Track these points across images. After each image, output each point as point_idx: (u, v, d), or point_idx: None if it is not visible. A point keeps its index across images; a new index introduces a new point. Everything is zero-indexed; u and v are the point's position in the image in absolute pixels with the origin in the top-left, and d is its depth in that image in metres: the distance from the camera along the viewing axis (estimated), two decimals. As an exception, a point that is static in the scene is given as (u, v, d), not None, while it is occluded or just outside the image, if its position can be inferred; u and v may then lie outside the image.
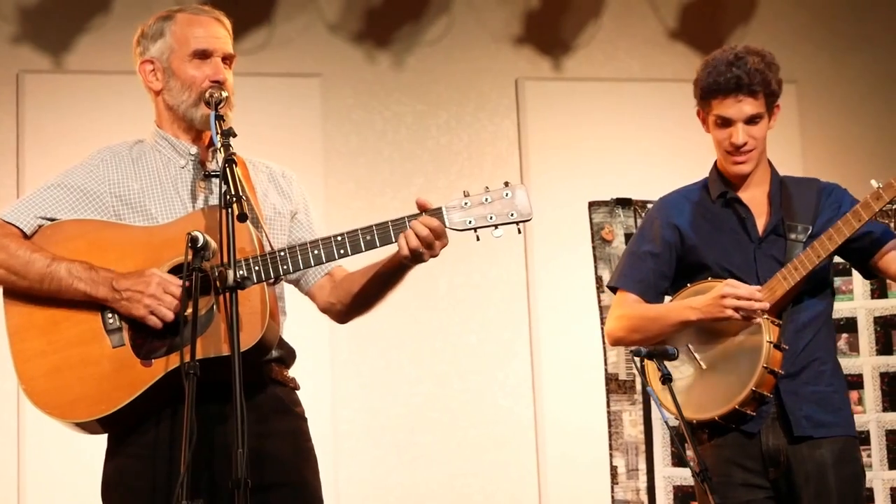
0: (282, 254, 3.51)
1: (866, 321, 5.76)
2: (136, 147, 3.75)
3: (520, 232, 3.56)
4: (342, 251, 3.52)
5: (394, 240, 3.51)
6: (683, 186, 4.39)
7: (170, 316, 3.46)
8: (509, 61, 6.87)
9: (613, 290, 4.38)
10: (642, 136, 6.80)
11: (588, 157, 6.78)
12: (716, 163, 4.32)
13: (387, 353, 6.54)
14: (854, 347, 5.77)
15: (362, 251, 3.52)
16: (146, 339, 3.51)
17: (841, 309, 5.70)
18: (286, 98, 6.59)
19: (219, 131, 3.49)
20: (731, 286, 4.06)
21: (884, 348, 5.77)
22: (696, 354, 4.17)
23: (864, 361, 5.74)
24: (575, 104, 6.85)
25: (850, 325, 5.77)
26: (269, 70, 6.55)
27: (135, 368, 3.48)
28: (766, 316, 4.07)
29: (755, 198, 4.24)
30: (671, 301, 4.28)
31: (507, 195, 3.51)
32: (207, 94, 3.60)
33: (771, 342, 4.05)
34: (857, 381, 5.73)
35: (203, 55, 3.67)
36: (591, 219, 5.81)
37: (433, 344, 6.60)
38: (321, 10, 6.73)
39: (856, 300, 5.72)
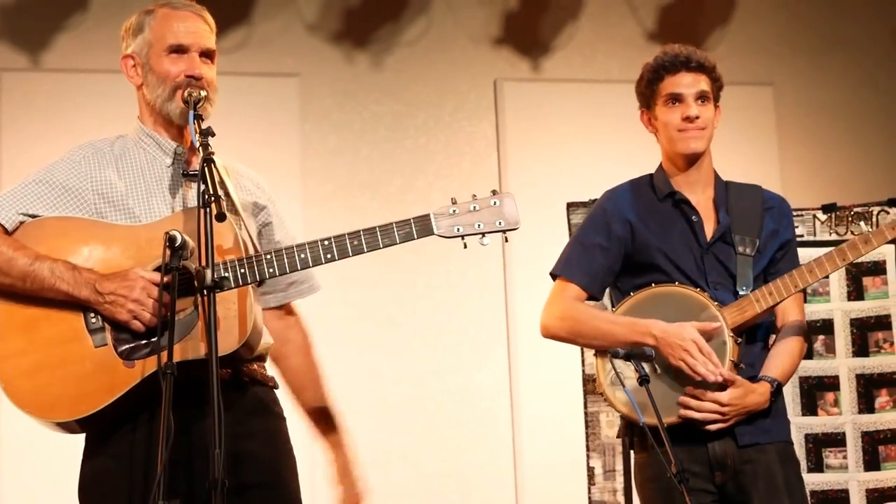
0: (268, 256, 3.48)
1: (843, 323, 5.74)
2: (117, 143, 3.72)
3: (507, 241, 3.59)
4: (329, 255, 3.49)
5: (381, 245, 3.50)
6: (629, 180, 4.41)
7: (154, 321, 3.43)
8: (488, 62, 6.86)
9: (554, 277, 4.35)
10: (621, 138, 6.66)
11: (566, 158, 6.76)
12: (661, 165, 4.35)
13: (364, 353, 6.51)
14: (830, 349, 5.75)
15: (349, 256, 3.50)
16: (129, 339, 3.48)
17: (818, 311, 5.69)
18: (264, 98, 6.56)
19: (198, 130, 3.46)
20: (705, 356, 4.03)
21: (860, 350, 5.74)
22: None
23: (841, 363, 5.72)
24: (553, 105, 6.84)
25: (826, 326, 5.75)
26: (247, 69, 6.52)
27: (117, 369, 3.45)
28: (731, 335, 4.08)
29: (700, 202, 4.26)
30: (619, 313, 4.23)
31: (494, 203, 3.54)
32: (186, 93, 3.58)
33: (733, 361, 4.07)
34: (833, 383, 5.73)
35: (179, 50, 3.66)
36: (569, 220, 5.78)
37: (410, 344, 6.58)
38: (300, 9, 6.72)
39: (832, 302, 5.71)
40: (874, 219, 5.64)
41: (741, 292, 4.14)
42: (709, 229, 4.23)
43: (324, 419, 3.91)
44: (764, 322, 4.21)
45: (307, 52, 6.70)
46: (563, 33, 6.95)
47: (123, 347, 3.47)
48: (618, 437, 4.57)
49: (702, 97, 4.23)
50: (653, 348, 4.03)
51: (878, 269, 5.78)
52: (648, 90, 4.29)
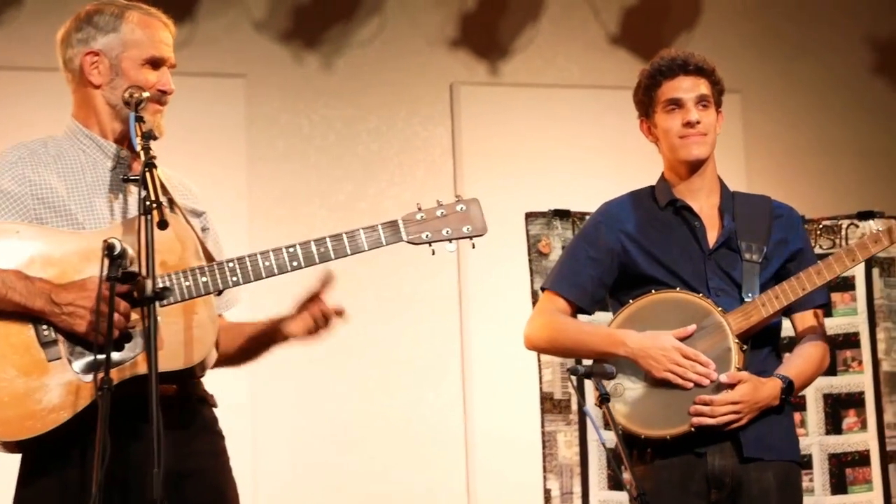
0: (230, 264, 3.46)
1: (810, 340, 5.73)
2: (51, 143, 3.60)
3: (474, 247, 3.64)
4: (295, 263, 3.49)
5: (349, 252, 3.51)
6: (629, 192, 4.36)
7: (115, 332, 3.30)
8: (444, 65, 6.82)
9: (543, 290, 4.35)
10: (582, 145, 6.77)
11: (525, 166, 6.72)
12: (662, 174, 4.30)
13: (311, 367, 6.36)
14: (797, 368, 5.74)
15: (316, 263, 3.51)
16: (85, 352, 3.36)
17: (784, 328, 5.65)
18: (209, 99, 6.46)
19: (138, 133, 3.38)
20: (691, 360, 4.01)
21: (828, 369, 5.68)
22: None
23: (808, 383, 5.70)
24: (512, 110, 6.80)
25: (792, 344, 5.70)
26: (190, 69, 6.34)
27: (73, 384, 3.34)
28: (736, 341, 4.03)
29: (704, 210, 4.23)
30: (617, 321, 4.19)
31: (461, 209, 3.60)
32: (127, 94, 3.49)
33: (739, 368, 4.02)
34: (799, 404, 5.67)
35: (157, 62, 3.61)
36: (527, 231, 5.75)
37: (360, 359, 6.48)
38: (247, 7, 6.64)
39: (800, 318, 5.67)
40: (843, 232, 5.67)
41: (747, 299, 4.10)
42: (712, 236, 4.20)
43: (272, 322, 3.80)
44: (770, 328, 4.16)
45: (254, 52, 6.62)
46: (522, 36, 6.92)
47: (79, 361, 3.36)
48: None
49: (702, 101, 4.21)
50: (632, 361, 4.04)
51: (847, 285, 5.77)
52: (646, 97, 4.26)
